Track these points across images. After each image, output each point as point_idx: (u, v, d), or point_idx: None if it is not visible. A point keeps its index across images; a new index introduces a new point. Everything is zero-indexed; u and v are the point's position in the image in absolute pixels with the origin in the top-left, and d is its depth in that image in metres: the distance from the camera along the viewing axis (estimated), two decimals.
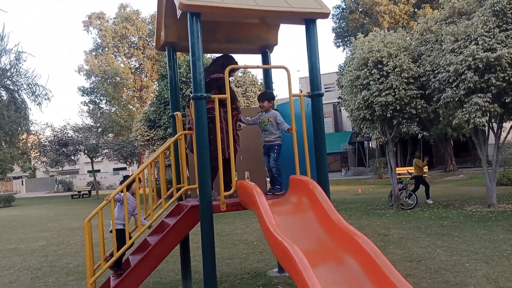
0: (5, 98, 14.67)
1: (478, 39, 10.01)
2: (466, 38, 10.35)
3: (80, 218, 16.07)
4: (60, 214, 19.32)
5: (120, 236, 4.61)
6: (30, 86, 15.25)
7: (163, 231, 4.71)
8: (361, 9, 28.46)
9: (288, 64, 5.39)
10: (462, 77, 10.19)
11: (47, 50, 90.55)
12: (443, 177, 24.34)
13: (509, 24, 10.21)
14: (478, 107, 10.09)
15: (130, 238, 4.64)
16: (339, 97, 27.33)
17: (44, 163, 32.48)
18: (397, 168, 14.59)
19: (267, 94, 5.11)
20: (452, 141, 27.39)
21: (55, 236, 11.97)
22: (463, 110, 10.41)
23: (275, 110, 5.11)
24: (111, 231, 4.61)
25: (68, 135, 30.88)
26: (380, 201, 14.75)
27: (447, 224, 9.48)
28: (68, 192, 41.89)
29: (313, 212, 3.68)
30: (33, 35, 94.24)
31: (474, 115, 10.17)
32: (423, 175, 13.68)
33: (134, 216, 4.94)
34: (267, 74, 6.25)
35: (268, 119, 4.83)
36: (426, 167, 14.26)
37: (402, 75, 11.42)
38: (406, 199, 12.80)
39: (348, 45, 28.91)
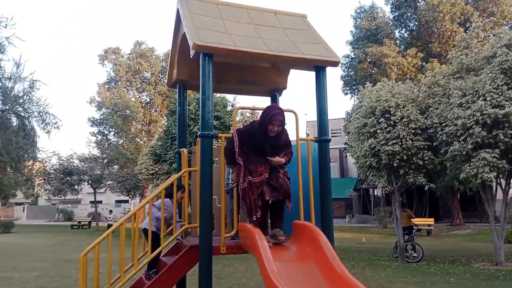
0: (15, 124, 14.87)
1: (486, 95, 10.10)
2: (474, 93, 10.45)
3: (78, 249, 15.78)
4: (58, 244, 19.01)
5: (155, 238, 4.65)
6: (40, 114, 15.46)
7: (159, 270, 4.58)
8: (369, 60, 29.05)
9: (295, 107, 5.46)
10: (470, 131, 10.19)
11: (61, 80, 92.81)
12: (450, 230, 23.83)
13: None
14: (486, 162, 10.02)
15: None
16: (346, 143, 27.42)
17: (47, 191, 32.42)
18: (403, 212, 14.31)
19: None
20: (459, 194, 27.02)
21: (51, 267, 11.71)
22: (471, 164, 10.34)
23: None
24: (143, 230, 4.76)
25: (74, 164, 30.99)
26: (384, 252, 14.38)
27: (453, 281, 9.16)
28: (69, 222, 41.45)
29: (316, 261, 3.56)
30: (49, 64, 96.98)
31: (481, 170, 10.09)
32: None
33: (170, 223, 4.97)
34: None
35: None
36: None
37: (410, 125, 11.46)
38: (411, 251, 12.47)
39: (356, 93, 29.30)
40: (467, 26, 26.17)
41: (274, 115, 4.10)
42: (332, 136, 4.85)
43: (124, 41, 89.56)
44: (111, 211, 30.04)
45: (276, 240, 3.98)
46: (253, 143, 4.15)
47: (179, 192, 4.84)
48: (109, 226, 25.46)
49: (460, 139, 10.48)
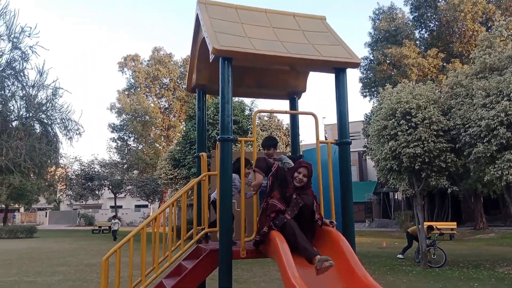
0: (38, 131, 15.18)
1: (511, 95, 9.85)
2: (498, 93, 10.20)
3: (99, 254, 15.99)
4: (79, 249, 19.31)
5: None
6: (63, 120, 15.79)
7: (180, 274, 4.57)
8: (389, 61, 28.74)
9: (314, 110, 5.41)
10: (494, 132, 9.94)
11: (83, 87, 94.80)
12: (473, 235, 23.25)
13: None
14: (511, 164, 9.75)
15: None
16: (365, 146, 27.11)
17: (69, 196, 33.08)
18: (425, 223, 14.06)
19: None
20: (482, 198, 26.39)
21: (72, 272, 11.89)
22: (495, 166, 10.08)
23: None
24: (211, 203, 4.88)
25: (95, 169, 31.54)
26: (406, 257, 14.10)
27: (477, 286, 8.91)
28: (89, 227, 42.11)
29: (338, 265, 3.49)
30: (72, 72, 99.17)
31: (506, 172, 9.82)
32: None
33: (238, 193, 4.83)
34: (294, 120, 6.25)
35: None
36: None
37: (431, 127, 11.24)
38: (434, 256, 12.20)
39: (375, 95, 28.99)
40: (489, 25, 25.64)
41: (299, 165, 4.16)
42: (351, 139, 4.76)
43: (143, 47, 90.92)
44: (114, 216, 29.46)
45: (321, 266, 3.34)
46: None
47: (246, 167, 4.55)
48: (114, 231, 25.31)
49: (484, 141, 10.23)
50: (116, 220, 26.80)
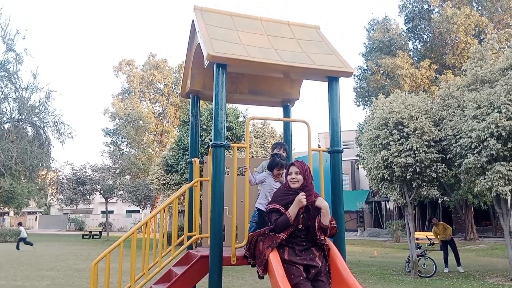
0: (30, 133, 15.08)
1: (501, 107, 9.96)
2: (488, 105, 10.32)
3: (88, 259, 15.84)
4: (68, 254, 19.10)
5: (259, 216, 4.43)
6: (56, 124, 15.71)
7: (170, 280, 4.56)
8: (382, 71, 29.00)
9: (307, 118, 5.45)
10: (485, 143, 10.05)
11: (78, 91, 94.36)
12: (463, 245, 23.33)
13: None
14: (501, 175, 9.85)
15: None
16: (357, 155, 27.23)
17: (60, 200, 32.76)
18: (416, 233, 14.13)
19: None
20: (473, 208, 26.55)
21: (61, 277, 11.75)
22: (485, 177, 10.17)
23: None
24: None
25: (86, 174, 31.31)
26: (397, 266, 14.14)
27: None
28: (80, 232, 41.71)
29: None
30: (66, 76, 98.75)
31: (496, 183, 9.91)
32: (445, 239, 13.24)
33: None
34: (287, 128, 6.28)
35: None
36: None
37: (423, 137, 11.34)
38: (424, 266, 12.23)
39: (368, 105, 29.20)
40: (481, 37, 26.00)
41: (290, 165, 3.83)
42: (343, 148, 4.78)
43: (139, 53, 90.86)
44: (20, 223, 25.95)
45: None
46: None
47: (275, 169, 4.48)
48: (20, 239, 22.33)
49: (475, 152, 10.33)
50: (22, 228, 24.06)
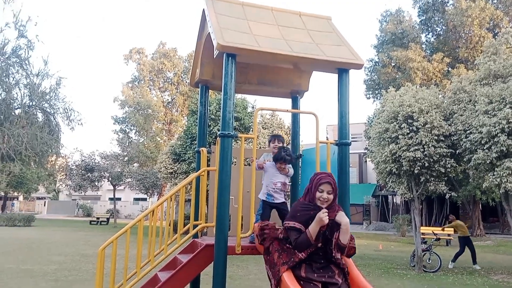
0: (41, 119, 15.24)
1: None
2: (500, 101, 10.18)
3: (95, 245, 16.04)
4: (76, 239, 19.37)
5: (261, 206, 4.39)
6: (66, 110, 15.82)
7: (175, 267, 4.60)
8: (394, 64, 28.68)
9: (315, 110, 5.41)
10: (495, 139, 9.94)
11: (89, 79, 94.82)
12: None
13: None
14: (510, 172, 9.75)
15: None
16: (366, 148, 27.10)
17: (68, 186, 33.13)
18: (421, 227, 14.08)
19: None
20: (480, 205, 26.35)
21: (68, 261, 11.94)
22: (494, 173, 10.08)
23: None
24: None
25: (95, 161, 31.57)
26: (402, 260, 14.13)
27: None
28: (87, 218, 42.20)
29: None
30: (78, 63, 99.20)
31: (505, 180, 9.82)
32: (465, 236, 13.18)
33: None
34: (295, 119, 6.25)
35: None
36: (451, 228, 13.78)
37: (433, 131, 11.24)
38: (429, 261, 12.20)
39: (379, 98, 28.95)
40: (496, 31, 25.58)
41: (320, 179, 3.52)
42: (352, 141, 4.74)
43: (149, 41, 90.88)
44: None
45: None
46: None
47: (278, 162, 4.41)
48: None
49: (485, 147, 10.23)
50: None
